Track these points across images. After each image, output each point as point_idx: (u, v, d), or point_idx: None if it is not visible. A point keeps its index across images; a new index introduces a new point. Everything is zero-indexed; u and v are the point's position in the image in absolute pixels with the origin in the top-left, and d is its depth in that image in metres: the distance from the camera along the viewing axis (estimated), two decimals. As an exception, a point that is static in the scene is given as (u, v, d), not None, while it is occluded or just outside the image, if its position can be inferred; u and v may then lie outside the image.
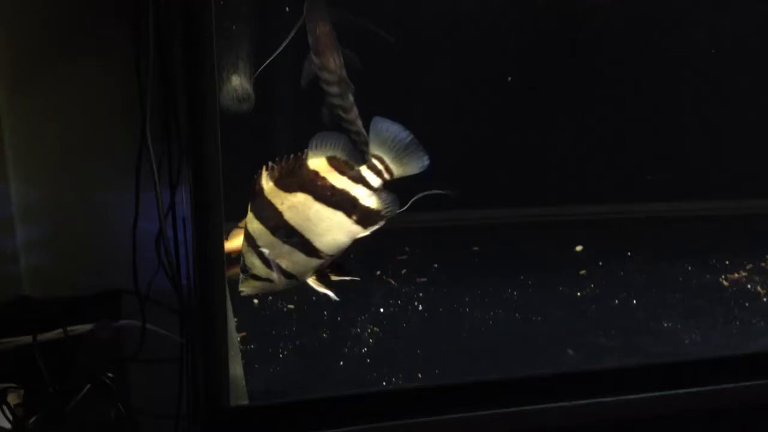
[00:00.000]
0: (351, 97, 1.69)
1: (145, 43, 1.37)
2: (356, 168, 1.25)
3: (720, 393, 1.39)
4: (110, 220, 1.84)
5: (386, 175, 1.25)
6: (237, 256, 1.85)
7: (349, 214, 1.26)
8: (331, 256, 1.29)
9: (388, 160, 1.25)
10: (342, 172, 1.25)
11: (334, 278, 1.33)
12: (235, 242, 1.84)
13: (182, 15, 1.10)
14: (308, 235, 1.25)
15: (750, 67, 2.08)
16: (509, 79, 1.94)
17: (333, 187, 1.25)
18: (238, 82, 1.83)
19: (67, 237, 1.93)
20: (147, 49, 1.36)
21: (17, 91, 1.74)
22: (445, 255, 1.88)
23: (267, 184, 1.27)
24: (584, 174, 2.03)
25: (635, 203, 2.04)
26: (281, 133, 1.93)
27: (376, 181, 1.25)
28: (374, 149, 1.25)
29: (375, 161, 1.25)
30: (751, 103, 2.11)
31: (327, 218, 1.25)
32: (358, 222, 1.27)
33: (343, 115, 1.69)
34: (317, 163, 1.25)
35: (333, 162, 1.25)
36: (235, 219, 1.89)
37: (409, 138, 1.25)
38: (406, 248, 1.90)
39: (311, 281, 1.31)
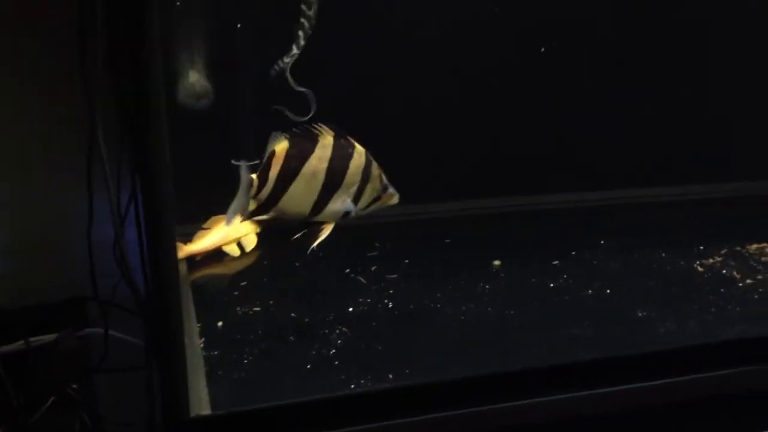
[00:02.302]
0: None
1: (93, 44, 1.33)
2: None
3: (697, 382, 1.37)
4: (75, 226, 1.80)
5: None
6: (203, 258, 1.82)
7: None
8: None
9: None
10: None
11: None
12: (200, 244, 1.80)
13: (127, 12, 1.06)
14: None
15: (719, 51, 2.07)
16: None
17: None
18: (195, 78, 1.78)
19: (29, 244, 1.88)
20: (95, 50, 1.32)
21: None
22: (416, 250, 1.84)
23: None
24: (555, 162, 2.01)
25: (607, 190, 2.01)
26: (244, 131, 1.88)
27: None
28: None
29: None
30: (725, 86, 2.09)
31: None
32: None
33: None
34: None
35: None
36: (200, 220, 1.87)
37: None
38: (376, 244, 1.86)
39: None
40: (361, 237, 1.88)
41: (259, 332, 1.49)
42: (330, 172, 1.48)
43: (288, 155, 1.47)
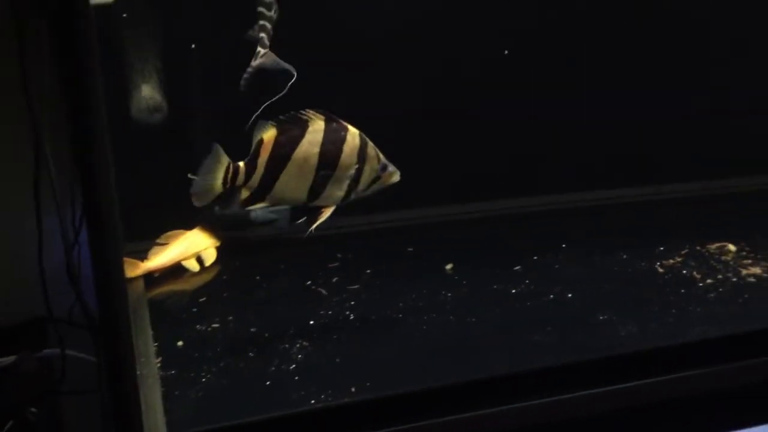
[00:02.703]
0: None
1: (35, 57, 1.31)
2: None
3: (659, 385, 1.37)
4: (34, 244, 1.76)
5: None
6: (161, 275, 1.79)
7: None
8: None
9: None
10: None
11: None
12: (157, 260, 1.77)
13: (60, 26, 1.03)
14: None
15: (670, 51, 2.08)
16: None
17: None
18: (149, 92, 1.75)
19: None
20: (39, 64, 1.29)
21: None
22: (378, 259, 1.82)
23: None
24: (515, 168, 2.00)
25: (568, 194, 2.01)
26: (199, 144, 1.85)
27: None
28: None
29: None
30: (681, 85, 2.10)
31: None
32: None
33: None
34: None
35: None
36: (155, 236, 1.84)
37: None
38: (338, 255, 1.84)
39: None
40: (323, 248, 1.86)
41: (218, 349, 1.46)
42: (323, 156, 1.48)
43: (277, 142, 1.47)
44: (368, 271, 1.75)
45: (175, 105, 1.79)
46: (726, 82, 2.11)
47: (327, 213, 1.51)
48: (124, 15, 1.74)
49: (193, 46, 1.82)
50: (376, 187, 1.54)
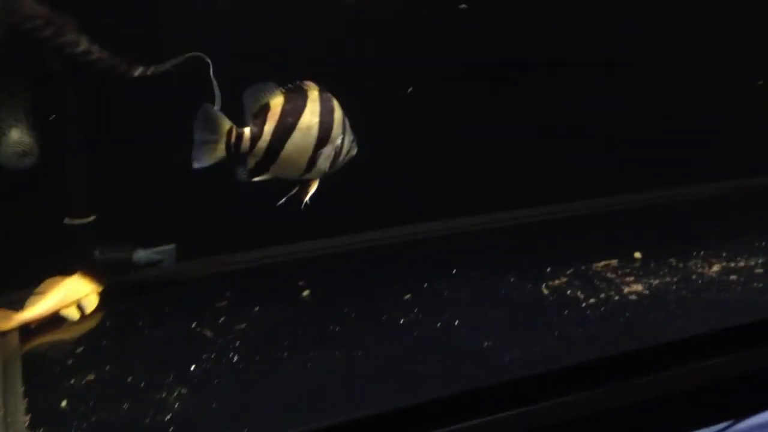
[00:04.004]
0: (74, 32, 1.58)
1: None
2: None
3: (539, 411, 1.37)
4: None
5: None
6: (39, 325, 1.71)
7: None
8: None
9: None
10: None
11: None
12: (33, 310, 1.69)
13: None
14: None
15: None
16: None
17: None
18: (18, 137, 1.68)
19: None
20: None
21: None
22: (267, 295, 1.78)
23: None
24: (405, 194, 2.00)
25: (457, 218, 2.02)
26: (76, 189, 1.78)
27: None
28: None
29: None
30: (552, 111, 2.12)
31: None
32: None
33: (76, 50, 1.58)
34: None
35: None
36: (32, 285, 1.76)
37: None
38: (227, 293, 1.80)
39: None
40: (211, 286, 1.83)
41: (91, 403, 1.39)
42: (321, 126, 1.46)
43: (284, 110, 1.43)
44: (256, 308, 1.72)
45: (48, 147, 1.73)
46: (604, 98, 2.16)
47: (314, 186, 1.49)
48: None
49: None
50: (345, 159, 1.52)
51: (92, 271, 1.74)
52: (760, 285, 1.67)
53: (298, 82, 1.48)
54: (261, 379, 1.46)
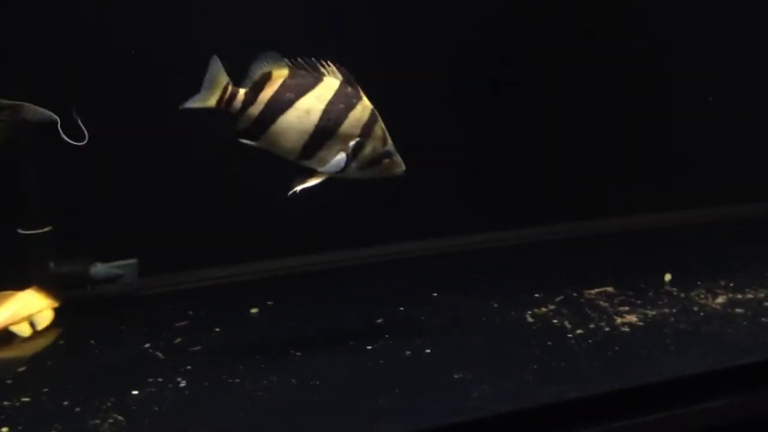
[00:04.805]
0: None
1: None
2: None
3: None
4: None
5: None
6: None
7: None
8: None
9: None
10: None
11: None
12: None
13: None
14: None
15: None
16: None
17: None
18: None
19: None
20: None
21: None
22: (230, 315, 1.67)
23: None
24: (381, 212, 1.86)
25: (441, 238, 1.89)
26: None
27: None
28: None
29: None
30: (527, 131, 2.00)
31: None
32: None
33: None
34: None
35: None
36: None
37: None
38: (190, 312, 1.69)
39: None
40: (174, 304, 1.72)
41: (20, 427, 1.29)
42: (326, 115, 1.40)
43: (285, 83, 1.41)
44: (217, 329, 1.60)
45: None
46: (599, 120, 2.03)
47: (314, 180, 1.42)
48: None
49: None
50: (375, 172, 1.45)
51: (47, 286, 1.65)
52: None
53: (314, 61, 1.43)
54: (203, 407, 1.32)
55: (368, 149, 1.43)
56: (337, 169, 1.42)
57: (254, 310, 1.64)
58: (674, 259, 1.88)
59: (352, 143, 1.42)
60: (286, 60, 1.42)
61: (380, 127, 1.45)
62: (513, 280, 1.77)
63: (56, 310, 1.66)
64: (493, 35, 1.93)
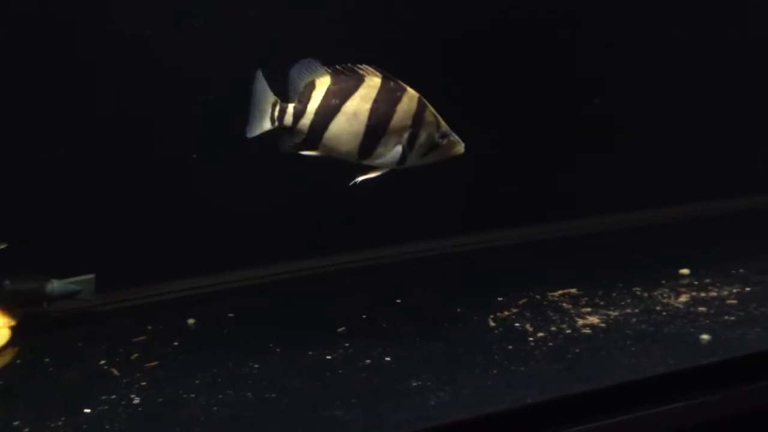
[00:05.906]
0: None
1: None
2: None
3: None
4: None
5: None
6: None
7: None
8: None
9: None
10: None
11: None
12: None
13: None
14: None
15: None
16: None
17: None
18: None
19: None
20: None
21: None
22: (190, 329, 1.64)
23: None
24: (345, 219, 1.84)
25: (404, 244, 1.87)
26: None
27: None
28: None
29: None
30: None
31: None
32: None
33: None
34: None
35: None
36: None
37: None
38: (149, 327, 1.66)
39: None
40: (133, 320, 1.69)
41: (-36, 450, 1.27)
42: (374, 114, 1.44)
43: (329, 91, 1.44)
44: (175, 343, 1.58)
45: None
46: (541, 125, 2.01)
47: (376, 172, 1.46)
48: None
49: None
50: (435, 156, 1.48)
51: (2, 304, 1.62)
52: (732, 318, 1.49)
53: (353, 66, 1.47)
54: (155, 425, 1.30)
55: (423, 137, 1.46)
56: (396, 162, 1.46)
57: (191, 321, 1.65)
58: (639, 260, 1.87)
59: (406, 135, 1.45)
60: (325, 67, 1.46)
61: (430, 112, 1.48)
62: (477, 284, 1.75)
63: (12, 329, 1.62)
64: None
